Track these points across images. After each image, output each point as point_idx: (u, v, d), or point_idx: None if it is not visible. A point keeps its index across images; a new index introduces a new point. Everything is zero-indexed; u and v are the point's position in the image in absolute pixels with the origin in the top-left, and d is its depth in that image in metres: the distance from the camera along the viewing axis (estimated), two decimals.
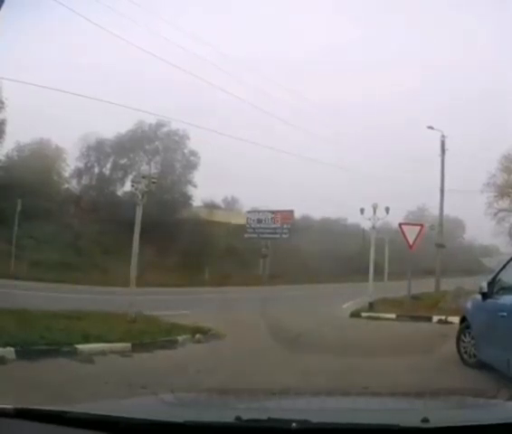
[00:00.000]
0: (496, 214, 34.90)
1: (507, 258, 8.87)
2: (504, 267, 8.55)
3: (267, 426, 2.36)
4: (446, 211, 28.37)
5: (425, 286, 22.94)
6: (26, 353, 7.75)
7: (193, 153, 37.18)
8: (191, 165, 37.37)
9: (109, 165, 37.30)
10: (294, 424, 2.33)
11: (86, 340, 8.86)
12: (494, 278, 8.54)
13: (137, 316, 11.66)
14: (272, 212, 38.05)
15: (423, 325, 14.52)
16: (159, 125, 36.85)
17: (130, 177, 33.21)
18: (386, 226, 26.13)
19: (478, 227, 42.41)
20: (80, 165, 36.58)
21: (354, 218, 35.27)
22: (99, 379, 6.93)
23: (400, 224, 20.16)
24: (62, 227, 28.36)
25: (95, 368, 7.84)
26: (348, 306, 19.69)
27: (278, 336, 9.92)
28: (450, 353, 9.16)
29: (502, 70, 55.11)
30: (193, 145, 36.84)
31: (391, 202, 21.84)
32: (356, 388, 5.52)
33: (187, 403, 3.06)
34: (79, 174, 36.81)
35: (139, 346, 9.31)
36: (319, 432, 2.38)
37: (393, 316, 16.61)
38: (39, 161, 32.47)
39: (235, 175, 44.64)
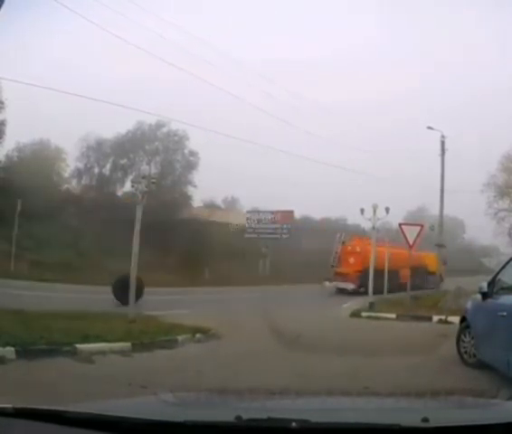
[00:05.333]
0: (496, 214, 34.99)
1: (507, 258, 8.87)
2: (504, 267, 8.55)
3: (267, 426, 2.36)
4: (446, 211, 28.46)
5: None
6: (26, 353, 7.75)
7: (193, 153, 37.28)
8: (191, 165, 37.44)
9: (108, 166, 37.40)
10: (294, 424, 2.33)
11: (86, 340, 8.86)
12: (494, 278, 8.54)
13: (136, 316, 11.66)
14: (272, 212, 38.09)
15: (423, 325, 14.51)
16: (159, 125, 36.94)
17: (130, 177, 33.29)
18: (386, 226, 26.16)
19: (478, 227, 42.48)
20: (80, 165, 36.73)
21: (354, 218, 35.30)
22: (99, 379, 6.93)
23: (400, 224, 20.15)
24: (62, 227, 28.36)
25: (95, 368, 7.84)
26: (348, 305, 19.68)
27: (278, 336, 9.91)
28: (450, 353, 9.16)
29: (502, 71, 55.15)
30: (193, 145, 36.93)
31: (391, 202, 21.81)
32: (356, 388, 5.52)
33: (187, 403, 3.06)
34: (79, 174, 36.91)
35: (139, 346, 9.30)
36: (319, 432, 2.38)
37: (393, 315, 16.60)
38: (39, 161, 32.53)
39: (235, 175, 44.71)
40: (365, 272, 20.46)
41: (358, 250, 20.42)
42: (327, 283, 20.98)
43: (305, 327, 11.83)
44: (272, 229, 37.64)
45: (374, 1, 61.56)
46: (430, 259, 28.13)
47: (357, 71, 57.81)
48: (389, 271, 18.05)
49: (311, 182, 46.39)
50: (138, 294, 16.96)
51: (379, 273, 17.26)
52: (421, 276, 24.99)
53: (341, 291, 22.48)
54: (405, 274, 20.31)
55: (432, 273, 27.44)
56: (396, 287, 21.03)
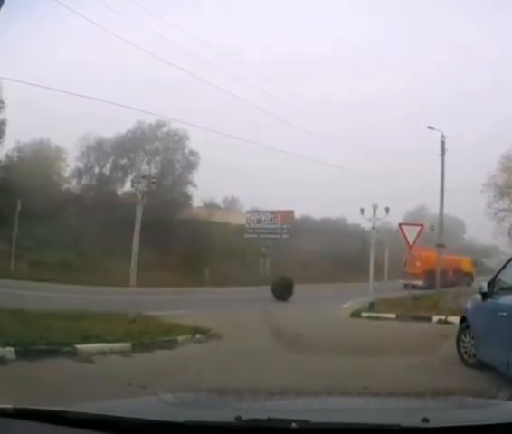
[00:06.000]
0: (496, 214, 35.00)
1: (507, 258, 8.87)
2: (504, 267, 8.55)
3: (267, 426, 2.36)
4: (446, 211, 28.50)
5: None
6: (26, 353, 7.74)
7: (193, 153, 37.23)
8: (191, 165, 37.38)
9: (108, 165, 37.33)
10: (294, 424, 2.33)
11: (86, 340, 8.85)
12: (494, 278, 8.53)
13: (136, 316, 11.65)
14: (272, 212, 38.09)
15: (423, 325, 14.51)
16: (159, 125, 36.89)
17: (130, 177, 33.26)
18: (386, 226, 26.22)
19: (478, 227, 42.59)
20: (80, 165, 36.66)
21: (354, 218, 35.34)
22: (99, 379, 6.93)
23: (400, 224, 20.16)
24: (62, 227, 28.35)
25: (95, 368, 7.83)
26: (349, 305, 19.69)
27: (278, 336, 9.91)
28: (450, 353, 9.16)
29: (502, 71, 55.18)
30: (193, 144, 36.91)
31: (391, 202, 21.89)
32: (356, 388, 5.51)
33: (187, 403, 3.06)
34: (79, 174, 36.84)
35: (139, 346, 9.29)
36: (319, 432, 2.38)
37: (393, 316, 16.60)
38: (39, 161, 32.49)
39: (235, 175, 44.75)
40: (428, 272, 28.50)
41: (423, 255, 27.12)
42: (401, 280, 26.07)
43: (305, 327, 11.84)
44: (272, 229, 37.64)
45: (373, 1, 61.57)
46: (465, 262, 36.55)
47: (357, 71, 57.83)
48: (441, 272, 24.93)
49: (311, 182, 46.48)
50: (289, 292, 22.80)
51: (435, 273, 24.12)
52: (459, 275, 31.21)
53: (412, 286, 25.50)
54: (450, 274, 29.86)
55: (466, 273, 34.30)
56: (445, 283, 25.96)
